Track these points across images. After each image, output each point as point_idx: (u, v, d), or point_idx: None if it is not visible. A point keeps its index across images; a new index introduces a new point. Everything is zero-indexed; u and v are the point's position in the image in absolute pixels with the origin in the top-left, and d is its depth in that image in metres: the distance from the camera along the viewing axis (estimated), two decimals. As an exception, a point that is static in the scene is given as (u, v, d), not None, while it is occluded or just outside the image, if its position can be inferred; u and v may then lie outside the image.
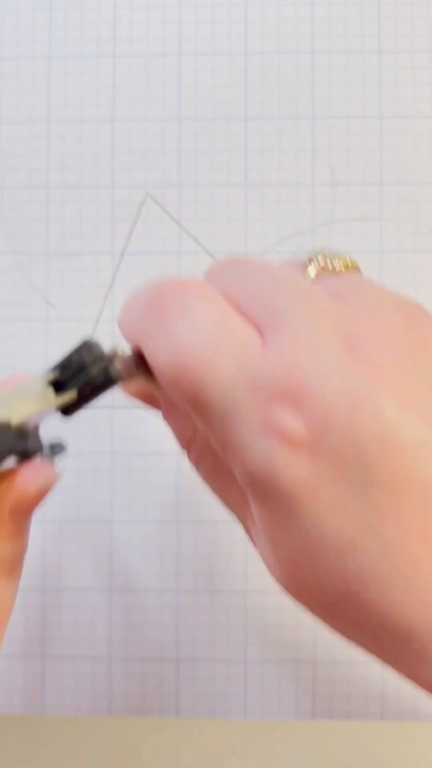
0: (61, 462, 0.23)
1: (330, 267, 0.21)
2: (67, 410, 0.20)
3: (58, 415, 0.21)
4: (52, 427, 0.34)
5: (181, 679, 0.34)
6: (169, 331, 0.18)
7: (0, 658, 0.34)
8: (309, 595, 0.19)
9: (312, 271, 0.21)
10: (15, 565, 0.23)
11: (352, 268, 0.22)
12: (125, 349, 0.20)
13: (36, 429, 0.23)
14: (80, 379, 0.20)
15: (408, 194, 0.34)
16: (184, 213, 0.35)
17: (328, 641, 0.34)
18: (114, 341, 0.20)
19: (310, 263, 0.21)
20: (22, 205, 0.35)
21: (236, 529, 0.34)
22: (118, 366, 0.20)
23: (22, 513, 0.22)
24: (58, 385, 0.20)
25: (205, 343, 0.18)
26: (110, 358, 0.20)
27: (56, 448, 0.23)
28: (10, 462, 0.21)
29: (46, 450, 0.23)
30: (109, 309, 0.35)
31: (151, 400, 0.23)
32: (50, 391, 0.20)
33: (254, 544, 0.21)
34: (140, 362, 0.20)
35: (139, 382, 0.20)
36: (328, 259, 0.21)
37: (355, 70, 0.35)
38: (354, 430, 0.17)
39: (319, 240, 0.34)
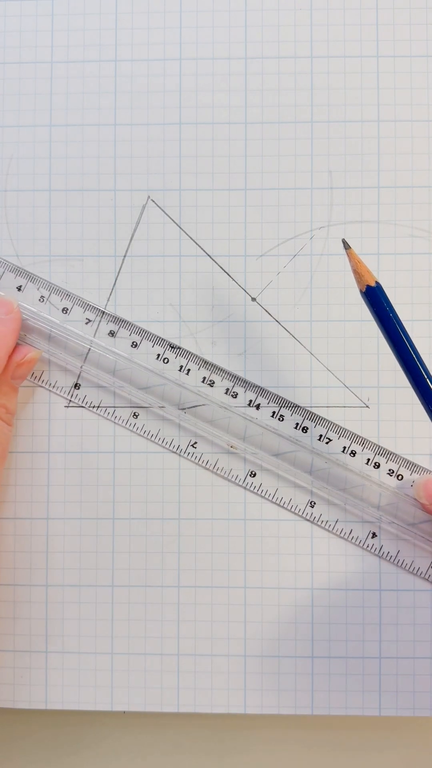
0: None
1: None
2: None
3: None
4: (57, 425, 0.35)
5: (182, 674, 0.34)
6: None
7: (3, 654, 0.35)
8: None
9: None
10: (11, 415, 0.34)
11: None
12: None
13: None
14: None
15: (405, 197, 0.35)
16: (185, 216, 0.35)
17: (325, 637, 0.34)
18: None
19: None
20: (26, 208, 0.35)
21: (235, 527, 0.34)
22: None
23: (21, 375, 0.34)
24: None
25: None
26: None
27: None
28: None
29: None
30: (111, 310, 0.35)
31: None
32: None
33: None
34: None
35: None
36: None
37: (354, 75, 0.35)
38: None
39: (317, 243, 0.35)
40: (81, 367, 0.34)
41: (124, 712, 0.35)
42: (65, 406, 0.35)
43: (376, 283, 0.29)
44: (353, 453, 0.34)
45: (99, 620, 0.34)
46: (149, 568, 0.34)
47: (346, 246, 0.30)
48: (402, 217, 0.35)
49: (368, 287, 0.29)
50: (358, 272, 0.29)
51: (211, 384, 0.34)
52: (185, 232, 0.35)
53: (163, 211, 0.35)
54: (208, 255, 0.35)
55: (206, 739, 0.36)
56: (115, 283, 0.35)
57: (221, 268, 0.35)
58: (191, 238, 0.35)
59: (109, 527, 0.35)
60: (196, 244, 0.35)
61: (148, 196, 0.35)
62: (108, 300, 0.35)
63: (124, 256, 0.35)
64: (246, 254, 0.35)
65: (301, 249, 0.35)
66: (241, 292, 0.35)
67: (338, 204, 0.35)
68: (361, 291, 0.29)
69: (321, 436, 0.34)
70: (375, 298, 0.29)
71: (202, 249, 0.35)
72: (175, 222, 0.35)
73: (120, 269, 0.35)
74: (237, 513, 0.34)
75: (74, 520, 0.35)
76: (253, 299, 0.35)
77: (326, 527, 0.34)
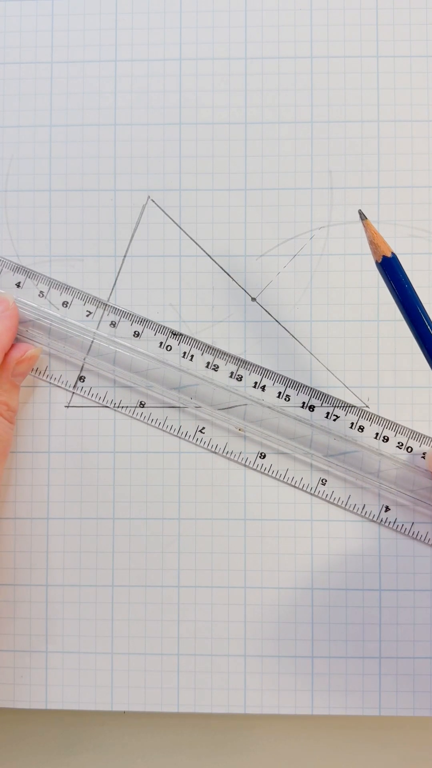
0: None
1: None
2: None
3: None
4: (57, 425, 0.35)
5: (182, 674, 0.34)
6: None
7: (3, 654, 0.35)
8: None
9: None
10: (12, 413, 0.34)
11: None
12: None
13: None
14: None
15: (405, 197, 0.35)
16: (185, 216, 0.35)
17: (325, 637, 0.34)
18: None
19: None
20: (26, 208, 0.35)
21: (236, 526, 0.34)
22: None
23: (22, 372, 0.34)
24: None
25: None
26: None
27: None
28: None
29: None
30: (111, 311, 0.35)
31: None
32: None
33: None
34: None
35: None
36: None
37: (354, 75, 0.35)
38: None
39: (317, 243, 0.35)
40: (84, 359, 0.35)
41: (124, 712, 0.35)
42: (65, 406, 0.35)
43: (392, 253, 0.29)
44: (361, 428, 0.34)
45: (99, 620, 0.34)
46: (149, 568, 0.34)
47: (363, 217, 0.30)
48: (402, 217, 0.35)
49: (384, 258, 0.29)
50: (374, 243, 0.29)
51: (216, 368, 0.34)
52: (185, 232, 0.35)
53: (163, 211, 0.35)
54: (208, 255, 0.35)
55: (206, 739, 0.36)
56: (115, 283, 0.35)
57: (221, 268, 0.35)
58: (191, 238, 0.35)
59: (109, 527, 0.35)
60: (196, 244, 0.35)
61: (148, 196, 0.35)
62: (108, 300, 0.35)
63: (124, 256, 0.35)
64: (246, 254, 0.35)
65: (301, 249, 0.35)
66: (241, 292, 0.35)
67: (338, 204, 0.35)
68: (377, 262, 0.29)
69: (328, 413, 0.34)
70: (391, 269, 0.29)
71: (202, 249, 0.35)
72: (175, 222, 0.35)
73: (120, 269, 0.35)
74: (237, 513, 0.34)
75: (74, 520, 0.35)
76: (253, 299, 0.35)
77: (339, 504, 0.34)
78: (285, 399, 0.34)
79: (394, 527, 0.34)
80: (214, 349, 0.35)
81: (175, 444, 0.35)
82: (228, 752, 0.36)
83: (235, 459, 0.34)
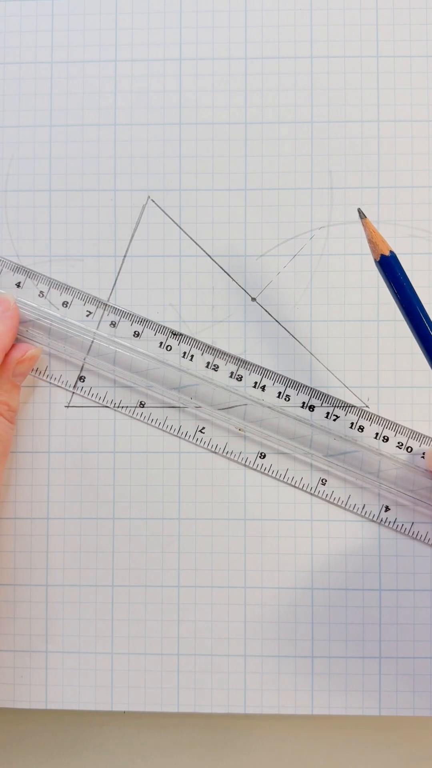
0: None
1: None
2: None
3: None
4: (57, 425, 0.35)
5: (182, 674, 0.34)
6: None
7: (3, 654, 0.35)
8: None
9: None
10: (13, 413, 0.34)
11: None
12: None
13: None
14: None
15: (405, 197, 0.35)
16: (185, 216, 0.35)
17: (325, 637, 0.34)
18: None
19: None
20: (26, 208, 0.35)
21: (236, 526, 0.34)
22: None
23: (22, 373, 0.34)
24: None
25: None
26: None
27: None
28: None
29: None
30: (111, 311, 0.35)
31: None
32: None
33: None
34: None
35: None
36: None
37: (354, 75, 0.35)
38: None
39: (317, 243, 0.35)
40: (84, 359, 0.35)
41: (124, 712, 0.35)
42: (65, 406, 0.35)
43: (391, 252, 0.29)
44: (361, 428, 0.34)
45: (99, 620, 0.34)
46: (149, 568, 0.34)
47: (362, 215, 0.30)
48: (402, 217, 0.35)
49: (383, 256, 0.29)
50: (372, 241, 0.30)
51: (216, 368, 0.34)
52: (185, 232, 0.35)
53: (163, 211, 0.35)
54: (208, 255, 0.35)
55: (206, 739, 0.36)
56: (115, 283, 0.35)
57: (221, 268, 0.35)
58: (191, 238, 0.35)
59: (109, 527, 0.35)
60: (196, 244, 0.35)
61: (148, 196, 0.35)
62: (108, 300, 0.35)
63: (124, 256, 0.35)
64: (246, 254, 0.35)
65: (301, 249, 0.35)
66: (241, 292, 0.35)
67: (338, 204, 0.35)
68: (375, 260, 0.30)
69: (328, 413, 0.34)
70: (390, 268, 0.29)
71: (202, 249, 0.35)
72: (175, 222, 0.35)
73: (120, 269, 0.35)
74: (237, 513, 0.34)
75: (74, 520, 0.35)
76: (253, 299, 0.35)
77: (339, 504, 0.34)
78: (285, 399, 0.34)
79: (394, 527, 0.34)
80: (214, 349, 0.35)
81: (175, 444, 0.35)
82: (228, 752, 0.36)
83: (235, 459, 0.34)
